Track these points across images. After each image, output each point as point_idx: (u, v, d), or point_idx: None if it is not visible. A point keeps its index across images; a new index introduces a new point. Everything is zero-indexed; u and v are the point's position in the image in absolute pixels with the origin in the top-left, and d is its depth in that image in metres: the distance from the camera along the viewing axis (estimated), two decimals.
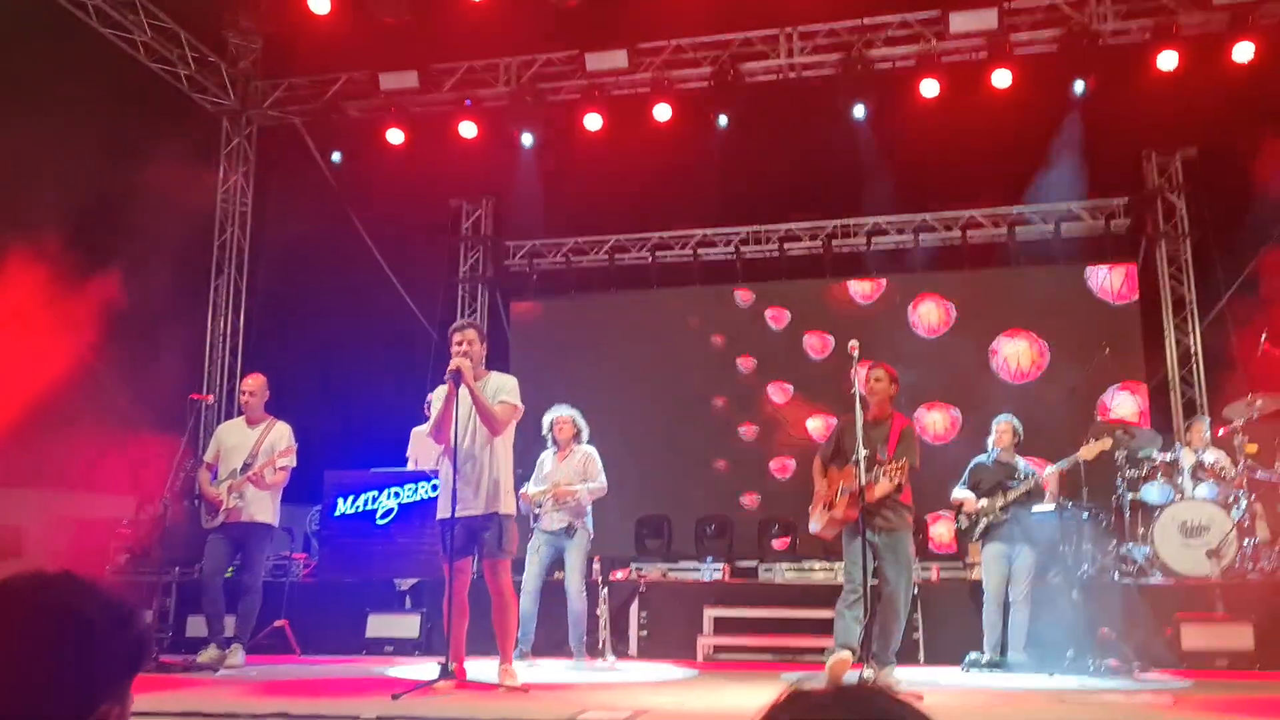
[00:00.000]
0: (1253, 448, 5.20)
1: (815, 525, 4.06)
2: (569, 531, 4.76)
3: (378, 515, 5.58)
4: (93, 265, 4.84)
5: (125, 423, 5.00)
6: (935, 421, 7.62)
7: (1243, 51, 6.14)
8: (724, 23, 6.80)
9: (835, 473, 3.98)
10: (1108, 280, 7.57)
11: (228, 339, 7.55)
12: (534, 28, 6.76)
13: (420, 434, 5.67)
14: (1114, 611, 4.38)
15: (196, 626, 4.87)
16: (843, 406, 4.09)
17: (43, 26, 6.05)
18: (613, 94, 7.09)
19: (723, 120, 6.86)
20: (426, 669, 3.62)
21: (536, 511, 4.84)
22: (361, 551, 5.54)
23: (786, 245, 8.36)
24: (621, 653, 5.02)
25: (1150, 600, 4.68)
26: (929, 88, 6.63)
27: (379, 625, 5.21)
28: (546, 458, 4.94)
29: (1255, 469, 5.16)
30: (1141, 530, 5.18)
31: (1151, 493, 5.28)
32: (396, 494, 5.58)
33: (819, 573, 5.67)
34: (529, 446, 4.79)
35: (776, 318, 8.12)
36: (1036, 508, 4.55)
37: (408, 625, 5.19)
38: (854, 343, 3.84)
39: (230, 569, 4.52)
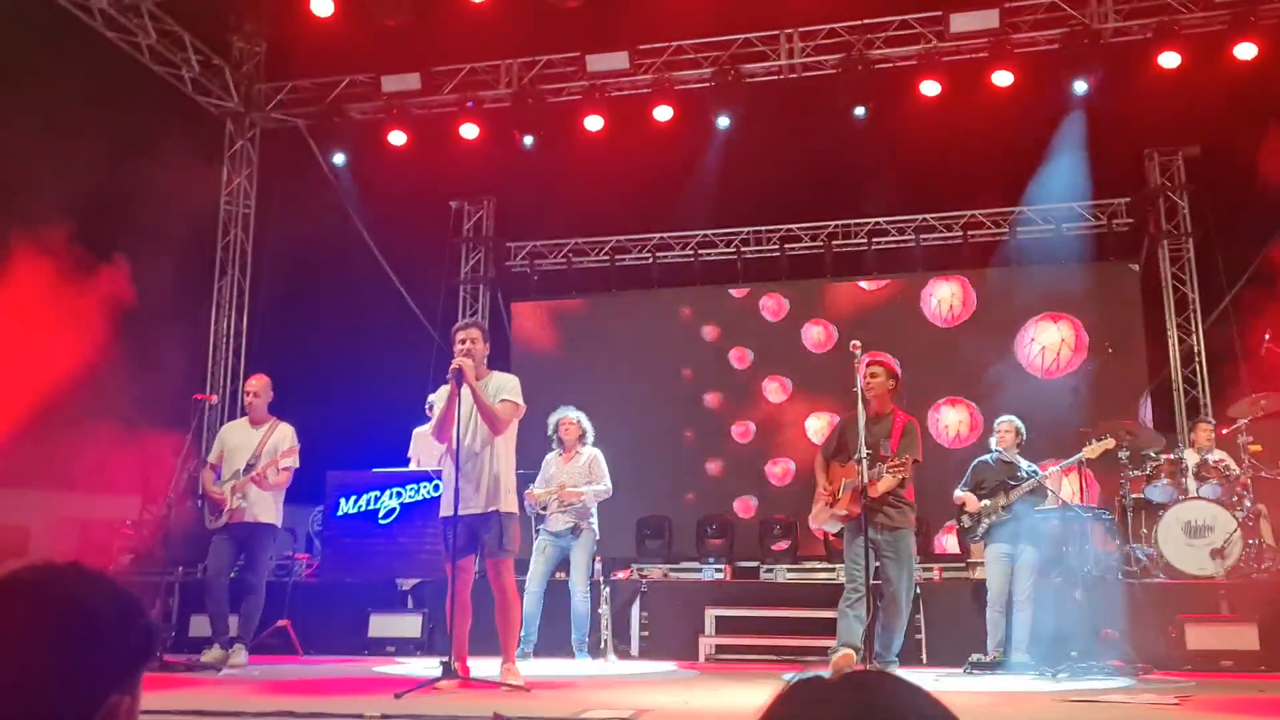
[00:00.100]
0: (1256, 447, 5.18)
1: (817, 521, 4.06)
2: (574, 532, 4.76)
3: (380, 515, 5.59)
4: (97, 267, 4.87)
5: (129, 423, 5.02)
6: (951, 424, 7.41)
7: (1244, 50, 6.13)
8: (724, 24, 6.81)
9: (837, 469, 3.98)
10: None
11: (231, 340, 7.58)
12: (535, 29, 6.78)
13: (421, 434, 5.69)
14: (1117, 612, 4.37)
15: (200, 626, 4.88)
16: (847, 403, 4.08)
17: (47, 30, 6.09)
18: (613, 95, 7.10)
19: (723, 121, 6.87)
20: (429, 668, 3.62)
21: (542, 513, 4.85)
22: (364, 551, 5.55)
23: (787, 245, 8.36)
24: (623, 653, 5.02)
25: (1154, 600, 4.66)
26: (930, 88, 6.63)
27: (381, 625, 5.22)
28: (552, 459, 4.95)
29: (1259, 468, 5.15)
30: (1145, 530, 5.17)
31: (1155, 492, 5.27)
32: (399, 494, 5.59)
33: (820, 573, 5.67)
34: (534, 447, 4.80)
35: (775, 310, 8.10)
36: (1039, 508, 4.54)
37: (410, 625, 5.20)
38: (856, 342, 3.84)
39: (234, 569, 4.54)
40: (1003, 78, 6.54)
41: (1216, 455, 5.42)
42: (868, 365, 3.94)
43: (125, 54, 6.69)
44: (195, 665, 4.18)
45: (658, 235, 8.56)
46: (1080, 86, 6.38)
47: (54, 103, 5.04)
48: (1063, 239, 7.71)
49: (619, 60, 6.84)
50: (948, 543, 6.79)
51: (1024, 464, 4.63)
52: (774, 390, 7.95)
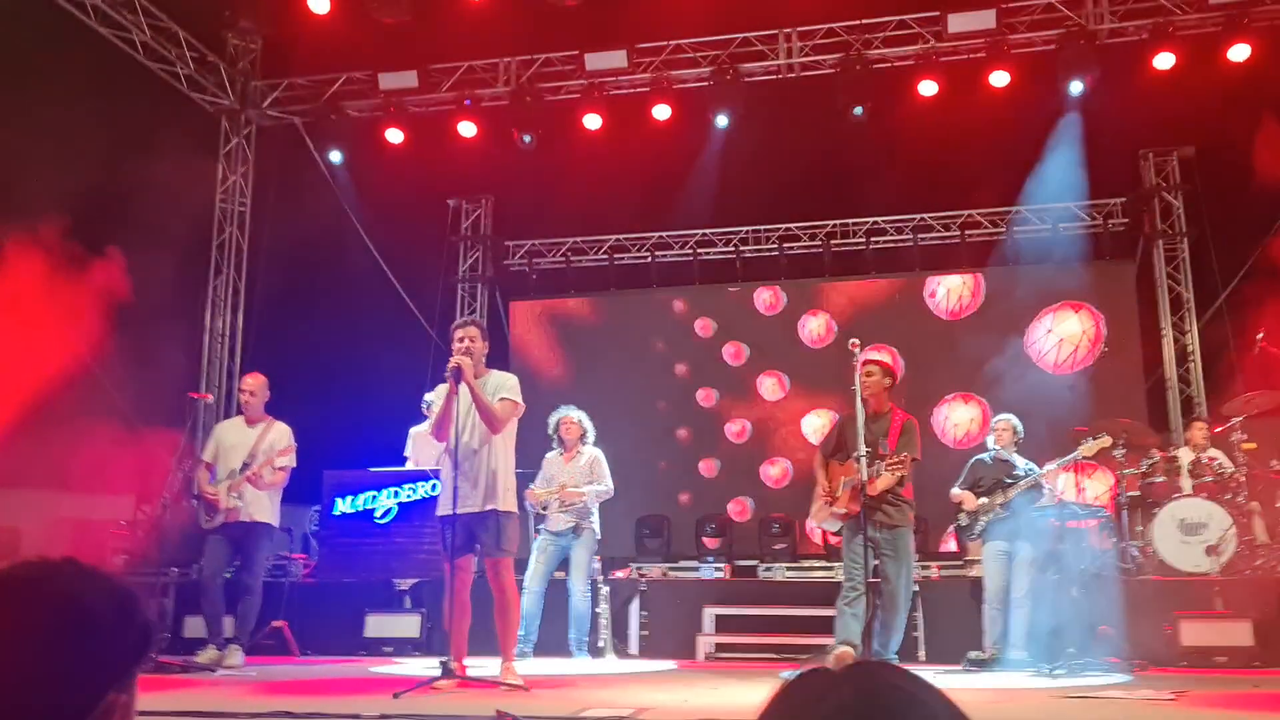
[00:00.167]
0: (1250, 445, 5.21)
1: (817, 519, 4.06)
2: (575, 532, 4.75)
3: (377, 515, 5.57)
4: (90, 265, 4.84)
5: (124, 423, 4.99)
6: (961, 422, 7.20)
7: (1238, 51, 6.17)
8: (723, 23, 6.81)
9: (836, 467, 3.99)
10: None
11: (226, 338, 7.54)
12: (533, 28, 6.76)
13: (419, 434, 5.67)
14: (1113, 608, 4.39)
15: (195, 627, 4.85)
16: (847, 400, 4.09)
17: (40, 26, 6.04)
18: (612, 94, 7.09)
19: (722, 120, 6.87)
20: (427, 669, 3.61)
21: (542, 512, 4.83)
22: (361, 551, 5.53)
23: (786, 245, 8.37)
24: (622, 652, 5.01)
25: (1150, 597, 4.68)
26: (927, 87, 6.64)
27: (378, 625, 5.20)
28: (552, 458, 4.93)
29: (1253, 466, 5.18)
30: (1140, 527, 5.19)
31: (1150, 490, 5.29)
32: (396, 493, 5.57)
33: (818, 571, 5.67)
34: (534, 446, 4.79)
35: (772, 305, 8.08)
36: (1036, 505, 4.56)
37: (407, 625, 5.18)
38: (854, 340, 3.85)
39: (229, 569, 4.51)
40: (1000, 78, 6.56)
41: (1211, 453, 5.45)
42: (863, 364, 3.95)
43: (119, 50, 6.64)
44: (191, 666, 4.15)
45: (656, 234, 8.55)
46: (1076, 87, 6.41)
47: (47, 100, 5.00)
48: (1059, 238, 7.73)
49: (617, 59, 6.83)
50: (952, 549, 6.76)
51: (1021, 462, 4.65)
52: (770, 387, 7.94)
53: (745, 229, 8.45)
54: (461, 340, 3.58)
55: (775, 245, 8.40)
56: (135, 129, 5.60)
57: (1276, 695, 3.51)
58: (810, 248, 8.35)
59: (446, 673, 3.34)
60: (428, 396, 4.73)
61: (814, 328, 7.92)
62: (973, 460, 4.76)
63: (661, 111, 6.94)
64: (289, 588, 5.30)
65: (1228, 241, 7.08)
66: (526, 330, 8.56)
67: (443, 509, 3.57)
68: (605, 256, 8.61)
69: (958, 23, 6.45)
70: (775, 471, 7.79)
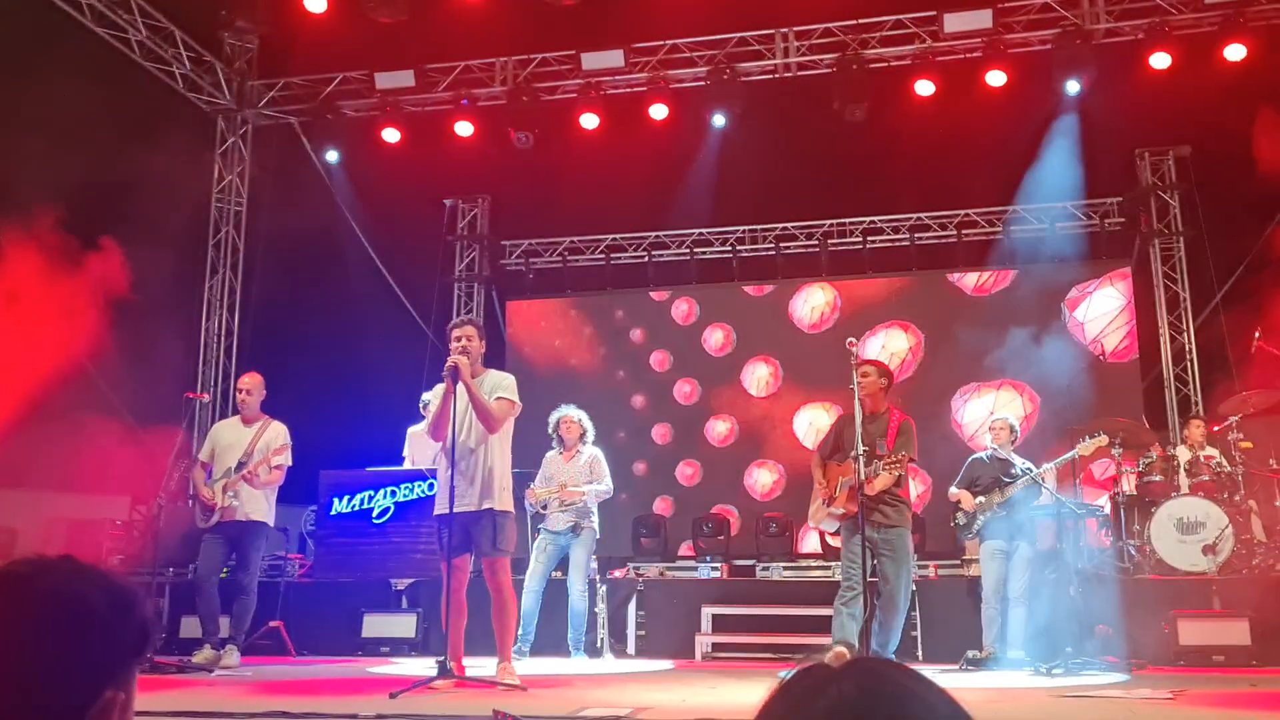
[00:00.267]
0: (1247, 444, 5.23)
1: (815, 520, 4.06)
2: (575, 531, 4.74)
3: (374, 515, 5.55)
4: (87, 264, 4.82)
5: (120, 422, 4.97)
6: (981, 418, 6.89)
7: (1234, 51, 6.19)
8: (720, 22, 6.82)
9: (834, 467, 3.99)
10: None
11: (223, 338, 7.52)
12: (530, 27, 6.76)
13: (416, 434, 5.65)
14: (1111, 608, 4.39)
15: (191, 627, 4.83)
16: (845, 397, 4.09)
17: (36, 26, 6.02)
18: (609, 93, 7.09)
19: (719, 120, 6.88)
20: (424, 668, 3.60)
21: (542, 511, 4.83)
22: (357, 551, 5.51)
23: (783, 244, 8.38)
24: (620, 651, 5.01)
25: (1147, 596, 4.69)
26: (924, 87, 6.66)
27: (375, 625, 5.18)
28: (552, 457, 4.93)
29: (1250, 465, 5.19)
30: (1138, 526, 5.20)
31: (1148, 489, 5.30)
32: (393, 493, 5.56)
33: (816, 571, 5.67)
34: (532, 446, 4.78)
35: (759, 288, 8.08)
36: (1034, 504, 4.57)
37: (404, 625, 5.17)
38: (852, 340, 3.86)
39: (225, 569, 4.49)
40: (996, 78, 6.58)
41: (1208, 452, 5.46)
42: (859, 365, 3.97)
43: (116, 50, 6.63)
44: (187, 666, 4.13)
45: (653, 234, 8.55)
46: (1073, 87, 6.43)
47: (44, 100, 4.99)
48: (1056, 237, 7.76)
49: (614, 59, 6.83)
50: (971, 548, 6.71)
51: (1018, 461, 4.65)
52: (758, 383, 7.95)
53: (742, 228, 8.46)
54: (458, 340, 3.58)
55: (772, 245, 8.41)
56: (131, 128, 5.59)
57: (1274, 694, 3.52)
58: (807, 247, 8.36)
59: (443, 672, 3.33)
60: (425, 396, 4.72)
61: (814, 306, 7.85)
62: (970, 459, 4.76)
63: (658, 111, 6.94)
64: (285, 587, 5.29)
65: (1224, 240, 7.11)
66: (523, 330, 8.56)
67: (439, 508, 3.56)
68: (602, 256, 8.61)
69: (954, 22, 6.47)
70: (766, 479, 7.80)
